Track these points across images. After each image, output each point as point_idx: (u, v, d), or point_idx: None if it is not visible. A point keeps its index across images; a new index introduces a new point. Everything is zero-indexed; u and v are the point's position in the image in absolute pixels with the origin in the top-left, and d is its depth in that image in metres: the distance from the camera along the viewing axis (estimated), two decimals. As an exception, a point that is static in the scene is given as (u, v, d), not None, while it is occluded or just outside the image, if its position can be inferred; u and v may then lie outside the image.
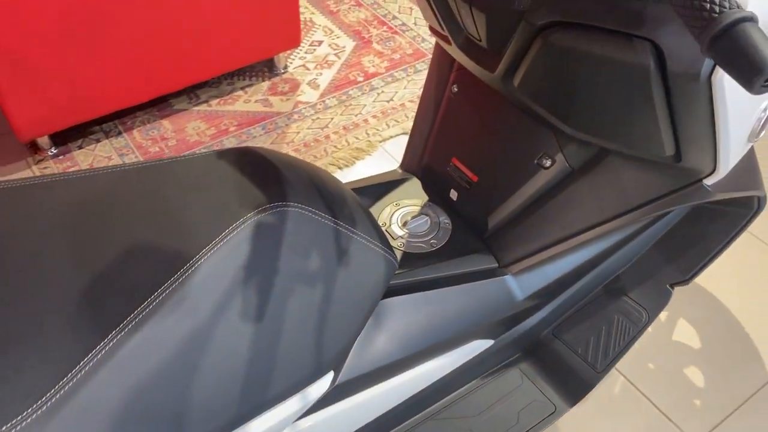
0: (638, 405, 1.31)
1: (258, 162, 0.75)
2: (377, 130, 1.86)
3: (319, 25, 2.22)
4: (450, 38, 0.83)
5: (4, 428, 0.50)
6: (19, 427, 0.50)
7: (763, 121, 0.72)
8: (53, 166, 1.73)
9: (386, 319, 0.82)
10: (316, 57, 2.10)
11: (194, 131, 1.84)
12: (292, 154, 1.78)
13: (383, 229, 0.94)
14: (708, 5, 0.41)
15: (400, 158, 1.79)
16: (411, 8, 2.29)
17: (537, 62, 0.71)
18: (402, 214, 0.97)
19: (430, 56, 2.09)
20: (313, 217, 0.71)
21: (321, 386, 0.73)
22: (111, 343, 0.56)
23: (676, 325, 1.44)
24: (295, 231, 0.69)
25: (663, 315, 1.46)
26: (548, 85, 0.73)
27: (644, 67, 0.62)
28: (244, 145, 1.80)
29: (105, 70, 1.64)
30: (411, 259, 0.90)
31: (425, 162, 1.01)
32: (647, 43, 0.61)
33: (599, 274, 1.02)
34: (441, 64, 1.00)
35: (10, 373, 0.53)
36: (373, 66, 2.07)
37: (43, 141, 1.73)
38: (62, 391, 0.53)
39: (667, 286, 1.02)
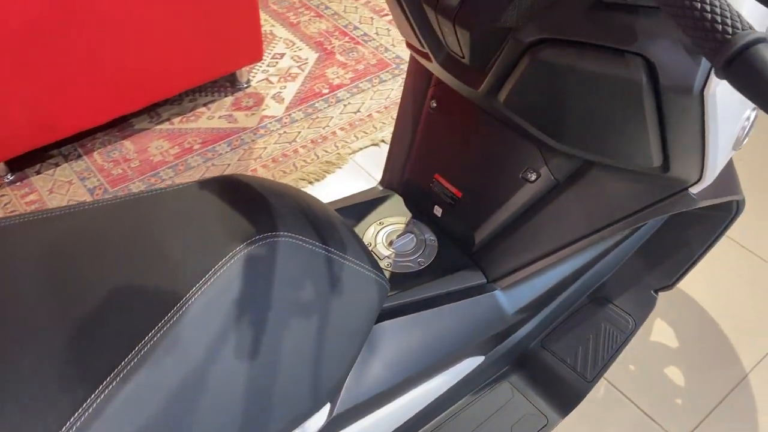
0: (622, 407, 1.32)
1: (243, 190, 0.72)
2: (346, 142, 1.84)
3: (280, 38, 2.19)
4: (430, 55, 0.82)
5: None
6: None
7: (747, 129, 0.73)
8: (10, 193, 1.65)
9: (380, 345, 0.80)
10: (279, 70, 2.07)
11: (157, 151, 1.79)
12: (260, 170, 1.75)
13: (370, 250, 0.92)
14: (720, 27, 0.40)
15: (371, 170, 1.78)
16: (372, 18, 2.28)
17: (524, 79, 0.70)
18: (387, 233, 0.95)
19: (394, 66, 2.08)
20: (303, 246, 0.69)
21: (318, 420, 0.71)
22: (102, 396, 0.53)
23: (654, 326, 1.46)
24: (286, 261, 0.67)
25: (640, 316, 1.47)
26: (536, 101, 0.72)
27: (636, 82, 0.61)
28: (209, 159, 1.76)
29: (62, 92, 1.58)
30: (400, 279, 0.89)
31: (406, 178, 1.00)
32: (639, 58, 0.60)
33: (584, 282, 1.02)
34: (417, 79, 0.98)
35: None
36: (338, 77, 2.05)
37: (-1, 167, 1.66)
38: None
39: (652, 291, 1.02)
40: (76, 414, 0.51)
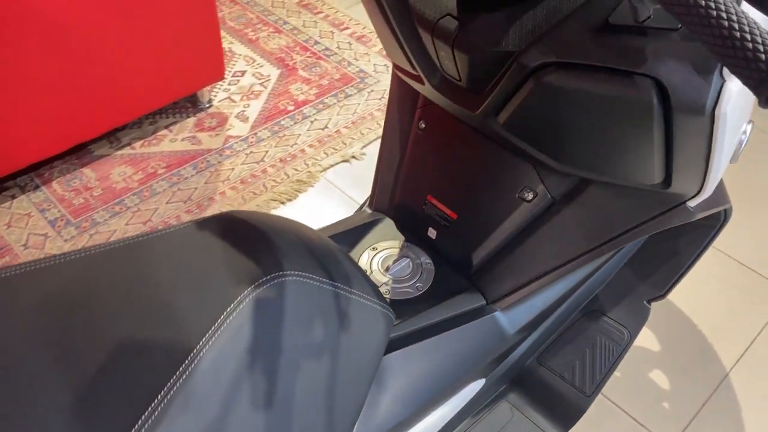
0: (611, 415, 1.32)
1: (242, 228, 0.69)
2: (316, 159, 1.81)
3: (240, 55, 2.15)
4: (423, 78, 0.80)
5: None
6: None
7: (744, 142, 0.74)
8: (-35, 229, 1.57)
9: (387, 378, 0.78)
10: (240, 88, 2.03)
11: (120, 177, 1.72)
12: (229, 192, 1.71)
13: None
14: (763, 56, 0.40)
15: (343, 188, 1.75)
16: (332, 32, 2.26)
17: (527, 102, 0.69)
18: (382, 259, 0.93)
19: (358, 80, 2.06)
20: (311, 284, 0.66)
21: (333, 462, 0.68)
22: None
23: (636, 331, 1.47)
24: (295, 302, 0.64)
25: (621, 321, 1.49)
26: (538, 122, 0.71)
27: (647, 104, 0.61)
28: (175, 184, 1.70)
29: (15, 121, 1.50)
30: (400, 306, 0.86)
31: (397, 201, 0.98)
32: (649, 80, 0.60)
33: (578, 297, 1.02)
34: (403, 100, 0.97)
35: None
36: (302, 93, 2.02)
37: (-49, 203, 1.57)
38: None
39: (645, 302, 1.03)
40: None
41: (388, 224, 0.98)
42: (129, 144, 1.81)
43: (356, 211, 1.35)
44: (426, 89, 0.83)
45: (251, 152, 1.83)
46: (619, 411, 1.33)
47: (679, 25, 0.58)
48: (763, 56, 0.40)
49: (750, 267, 1.59)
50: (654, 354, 1.43)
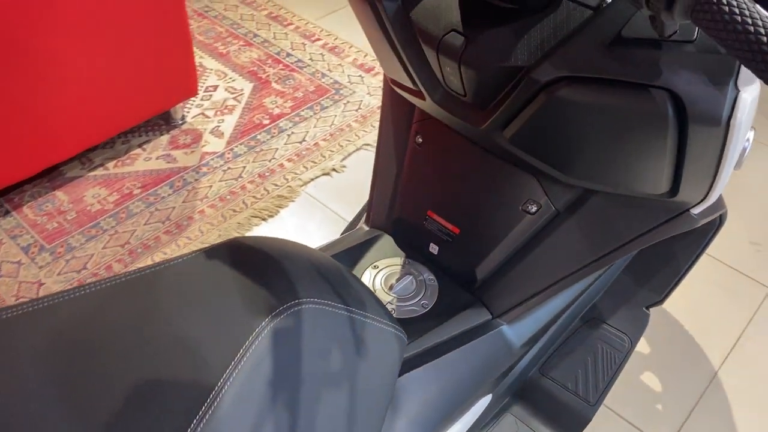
0: (607, 420, 1.33)
1: (252, 255, 0.67)
2: (295, 174, 1.79)
3: (211, 69, 2.11)
4: (424, 93, 0.79)
5: None
6: None
7: (747, 149, 0.74)
8: (-68, 260, 1.50)
9: (401, 401, 0.76)
10: (213, 103, 1.99)
11: (94, 199, 1.67)
12: (208, 210, 1.67)
13: None
14: None
15: (325, 201, 1.73)
16: (303, 44, 2.24)
17: (538, 116, 0.68)
18: (384, 277, 0.91)
19: (333, 92, 2.04)
20: (326, 310, 0.64)
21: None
22: None
23: (625, 334, 1.48)
24: (312, 330, 0.62)
25: (609, 325, 1.50)
26: (547, 137, 0.70)
27: (662, 116, 0.61)
28: (152, 204, 1.66)
29: (-16, 145, 1.45)
30: (408, 325, 0.85)
31: (396, 217, 0.96)
32: (664, 92, 0.60)
33: (578, 305, 1.02)
34: (398, 115, 0.95)
35: None
36: (277, 107, 1.99)
37: None
38: None
39: (644, 308, 1.03)
40: None
41: (387, 241, 0.97)
42: (102, 164, 1.76)
43: (346, 228, 1.33)
44: (427, 104, 0.81)
45: (228, 168, 1.79)
46: (614, 415, 1.33)
47: (694, 37, 0.59)
48: None
49: (732, 266, 1.62)
50: (644, 356, 1.45)
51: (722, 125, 0.60)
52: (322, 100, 2.02)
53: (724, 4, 0.43)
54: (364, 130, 1.92)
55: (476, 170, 0.85)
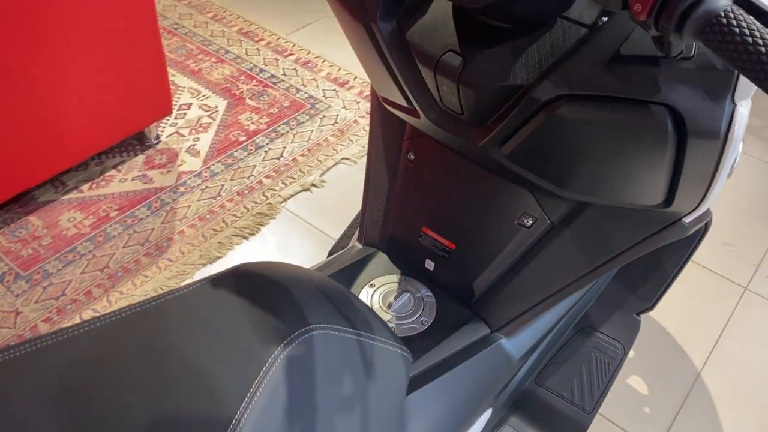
0: (596, 425, 1.34)
1: (258, 282, 0.66)
2: (275, 190, 1.78)
3: (184, 87, 2.08)
4: (419, 112, 0.79)
5: None
6: None
7: (737, 158, 0.76)
8: None
9: (409, 421, 0.76)
10: (188, 122, 1.97)
11: (70, 223, 1.63)
12: (188, 230, 1.65)
13: None
14: None
15: (306, 218, 1.72)
16: (276, 59, 2.23)
17: (538, 133, 0.69)
18: (382, 295, 0.91)
19: (309, 106, 2.04)
20: (336, 335, 0.64)
21: None
22: None
23: (610, 338, 1.51)
24: (324, 356, 0.62)
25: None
26: (546, 153, 0.71)
27: (662, 131, 0.62)
28: (130, 226, 1.63)
29: (-45, 173, 1.40)
30: (409, 343, 0.85)
31: (390, 234, 0.96)
32: (664, 108, 0.61)
33: (571, 314, 1.03)
34: (388, 132, 0.95)
35: None
36: (253, 123, 1.97)
37: None
38: None
39: (634, 315, 1.05)
40: None
41: (381, 258, 0.96)
42: (76, 187, 1.72)
43: (334, 246, 1.33)
44: (421, 122, 0.82)
45: (206, 187, 1.77)
46: (604, 420, 1.35)
47: (692, 54, 0.60)
48: None
49: (707, 267, 1.66)
50: (629, 360, 1.47)
51: (720, 138, 0.62)
52: (298, 115, 2.01)
53: (734, 26, 0.44)
54: (342, 144, 1.92)
55: (471, 185, 0.86)
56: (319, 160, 1.87)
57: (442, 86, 0.72)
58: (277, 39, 2.31)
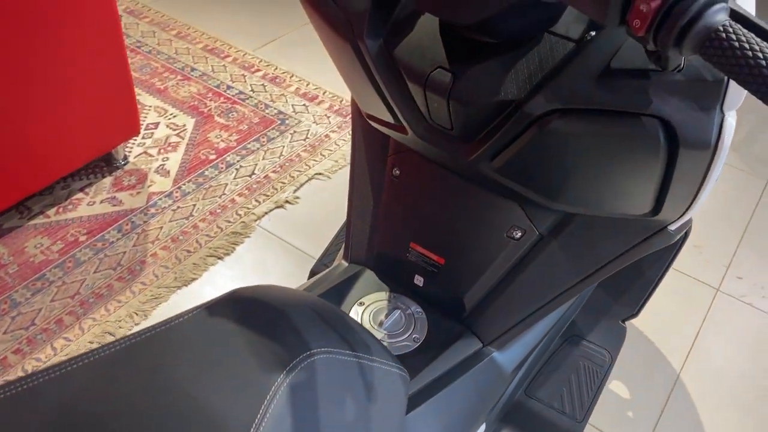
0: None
1: (255, 308, 0.64)
2: (248, 208, 1.75)
3: (150, 106, 2.05)
4: (407, 128, 0.79)
5: None
6: None
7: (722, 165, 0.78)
8: None
9: (408, 441, 0.75)
10: (156, 141, 1.93)
11: (37, 250, 1.58)
12: (161, 252, 1.61)
13: None
14: None
15: (281, 235, 1.70)
16: (243, 75, 2.21)
17: (530, 147, 0.69)
18: (372, 314, 0.90)
19: (279, 122, 2.02)
20: (337, 358, 0.63)
21: None
22: None
23: (590, 344, 1.52)
24: (327, 381, 0.60)
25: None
26: (537, 166, 0.72)
27: (654, 142, 0.63)
28: (100, 250, 1.58)
29: None
30: (402, 362, 0.84)
31: (377, 251, 0.96)
32: (656, 120, 0.62)
33: (557, 324, 1.04)
34: (371, 148, 0.95)
35: None
36: (223, 141, 1.95)
37: None
38: None
39: (620, 322, 1.06)
40: None
41: (369, 276, 0.96)
42: (42, 212, 1.67)
43: (316, 265, 1.31)
44: (409, 138, 0.81)
45: (178, 208, 1.74)
46: (589, 426, 1.36)
47: (681, 66, 0.61)
48: None
49: (679, 270, 1.69)
50: (610, 365, 1.48)
51: (710, 148, 0.63)
52: (268, 131, 2.00)
53: (733, 40, 0.45)
54: (315, 160, 1.91)
55: (459, 200, 0.86)
56: (292, 176, 1.85)
57: (431, 102, 0.72)
58: (244, 55, 2.29)
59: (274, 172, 1.86)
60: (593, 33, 0.66)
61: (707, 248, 1.76)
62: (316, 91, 2.16)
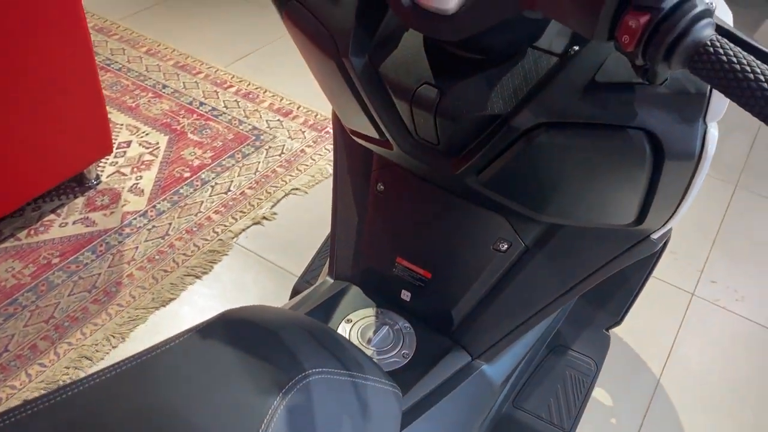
0: (567, 440, 1.36)
1: (247, 329, 0.63)
2: (225, 226, 1.73)
3: (122, 124, 2.02)
4: (393, 143, 0.79)
5: None
6: None
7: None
8: None
9: (403, 459, 0.74)
10: (129, 160, 1.90)
11: (8, 273, 1.54)
12: (137, 273, 1.58)
13: None
14: None
15: (260, 252, 1.68)
16: (216, 92, 2.19)
17: (517, 161, 0.69)
18: (360, 330, 0.89)
19: (254, 138, 2.01)
20: (332, 378, 0.62)
21: None
22: None
23: (571, 353, 1.53)
24: (323, 401, 0.60)
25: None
26: (524, 179, 0.72)
27: (640, 154, 0.64)
28: (74, 272, 1.55)
29: None
30: (393, 378, 0.83)
31: (363, 267, 0.95)
32: (641, 132, 0.63)
33: (542, 335, 1.04)
34: (354, 164, 0.95)
35: None
36: (197, 158, 1.93)
37: None
38: None
39: (604, 330, 1.07)
40: None
41: (355, 292, 0.95)
42: (12, 235, 1.63)
43: (298, 282, 1.30)
44: (394, 154, 0.81)
45: (153, 227, 1.71)
46: (574, 434, 1.37)
47: (666, 78, 0.62)
48: None
49: (655, 276, 1.72)
50: (592, 372, 1.50)
51: (695, 159, 0.64)
52: (243, 147, 1.98)
53: (721, 54, 0.46)
54: (291, 175, 1.90)
55: (444, 214, 0.86)
56: (269, 192, 1.84)
57: (418, 118, 0.72)
58: (216, 71, 2.28)
59: (250, 188, 1.85)
60: (576, 47, 0.67)
61: (681, 254, 1.79)
62: (290, 106, 2.15)
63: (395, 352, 0.88)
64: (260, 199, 1.82)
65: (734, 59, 0.45)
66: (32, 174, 1.57)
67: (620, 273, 1.07)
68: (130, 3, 2.62)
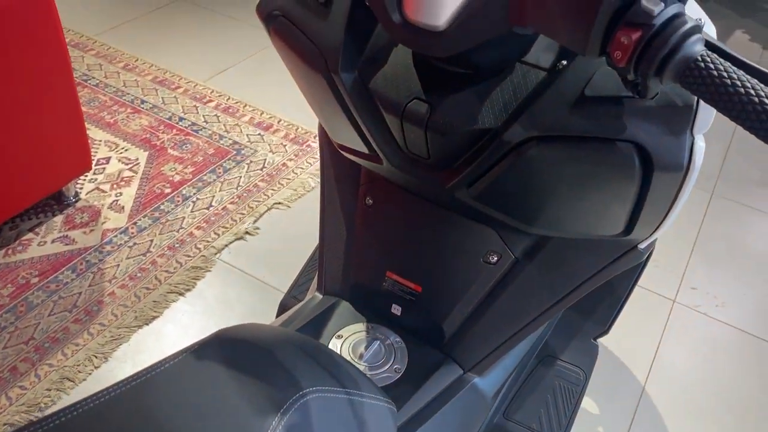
0: (556, 450, 1.36)
1: (242, 349, 0.63)
2: (207, 242, 1.72)
3: (100, 140, 1.99)
4: (382, 158, 0.79)
5: None
6: None
7: None
8: None
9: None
10: (108, 176, 1.88)
11: (-15, 295, 1.51)
12: (119, 291, 1.56)
13: None
14: None
15: (243, 267, 1.67)
16: (195, 106, 2.18)
17: (507, 174, 0.70)
18: (352, 346, 0.89)
19: (234, 152, 2.00)
20: (329, 396, 0.62)
21: None
22: None
23: (557, 362, 1.54)
24: (321, 420, 0.59)
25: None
26: (515, 192, 0.73)
27: (629, 167, 0.65)
28: (54, 292, 1.52)
29: None
30: (387, 393, 0.83)
31: (352, 282, 0.95)
32: (631, 145, 0.64)
33: (532, 346, 1.05)
34: (342, 178, 0.95)
35: None
36: (178, 174, 1.91)
37: None
38: None
39: (591, 340, 1.08)
40: None
41: (345, 307, 0.95)
42: (-11, 255, 1.60)
43: (285, 298, 1.29)
44: (383, 168, 0.81)
45: (135, 244, 1.69)
46: (563, 444, 1.37)
47: (656, 93, 0.63)
48: None
49: (640, 285, 1.73)
50: (578, 381, 1.50)
51: (683, 170, 0.65)
52: (224, 162, 1.97)
53: (712, 69, 0.47)
54: (273, 189, 1.89)
55: (434, 227, 0.86)
56: (251, 207, 1.83)
57: (408, 133, 0.73)
58: (195, 86, 2.27)
59: (232, 203, 1.84)
60: (564, 62, 0.67)
61: (662, 261, 1.81)
62: (270, 120, 2.15)
63: (387, 367, 0.87)
64: (242, 214, 1.81)
65: (725, 74, 0.46)
66: (9, 192, 1.55)
67: (607, 282, 1.08)
68: (106, 18, 2.60)
